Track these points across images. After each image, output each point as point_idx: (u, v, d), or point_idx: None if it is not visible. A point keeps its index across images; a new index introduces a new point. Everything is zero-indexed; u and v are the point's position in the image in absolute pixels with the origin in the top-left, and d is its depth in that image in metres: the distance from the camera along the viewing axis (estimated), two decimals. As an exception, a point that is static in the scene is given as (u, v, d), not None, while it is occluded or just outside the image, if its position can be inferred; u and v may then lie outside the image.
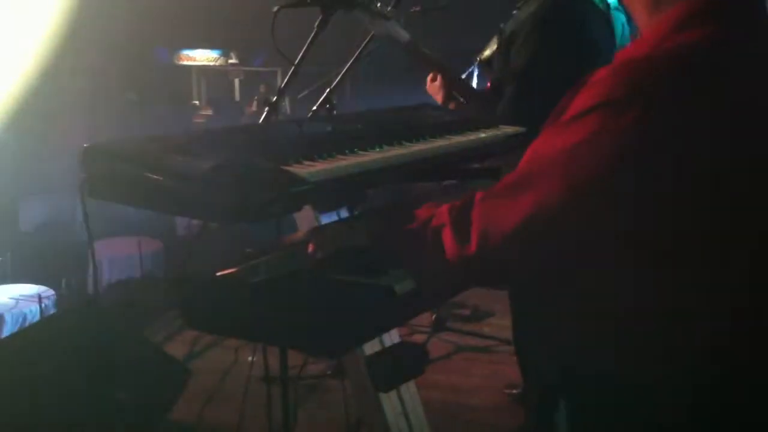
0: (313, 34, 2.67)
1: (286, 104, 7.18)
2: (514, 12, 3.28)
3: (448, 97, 3.17)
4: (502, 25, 3.39)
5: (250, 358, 4.05)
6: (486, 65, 3.40)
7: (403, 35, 2.99)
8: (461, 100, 3.16)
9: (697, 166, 1.28)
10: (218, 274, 1.69)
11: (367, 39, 3.29)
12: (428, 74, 3.22)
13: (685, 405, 1.39)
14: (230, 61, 8.57)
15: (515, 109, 2.99)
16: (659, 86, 1.29)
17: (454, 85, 3.18)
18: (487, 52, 3.35)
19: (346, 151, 1.99)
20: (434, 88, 3.19)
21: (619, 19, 5.83)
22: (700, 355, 1.37)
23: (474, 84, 4.76)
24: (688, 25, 1.36)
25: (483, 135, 2.43)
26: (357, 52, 3.30)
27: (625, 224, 1.32)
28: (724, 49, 1.35)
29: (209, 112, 10.46)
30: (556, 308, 1.51)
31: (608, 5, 3.34)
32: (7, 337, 3.73)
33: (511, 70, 3.08)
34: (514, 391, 4.02)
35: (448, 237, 1.46)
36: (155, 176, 1.63)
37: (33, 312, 4.36)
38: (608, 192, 1.30)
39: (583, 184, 1.31)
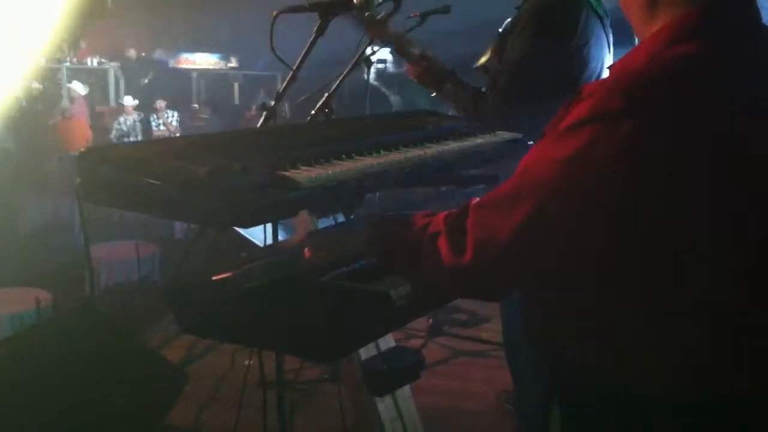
0: (311, 40, 2.68)
1: (286, 109, 7.18)
2: (509, 20, 3.32)
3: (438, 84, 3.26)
4: (500, 30, 3.42)
5: (246, 363, 4.05)
6: (482, 71, 3.43)
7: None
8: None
9: (692, 178, 1.29)
10: (214, 278, 1.69)
11: (367, 45, 3.30)
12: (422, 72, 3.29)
13: (673, 408, 1.39)
14: (230, 65, 8.57)
15: (506, 102, 3.04)
16: (654, 99, 1.29)
17: (449, 78, 3.24)
18: (483, 59, 3.37)
19: (343, 157, 2.00)
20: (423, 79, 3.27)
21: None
22: (688, 360, 1.37)
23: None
24: (683, 38, 1.36)
25: (480, 141, 2.44)
26: (355, 57, 3.31)
27: (618, 234, 1.32)
28: (720, 61, 1.35)
29: (208, 115, 10.47)
30: (545, 311, 1.52)
31: (606, 11, 3.37)
32: (3, 341, 3.73)
33: (505, 64, 3.12)
34: (510, 396, 4.02)
35: (443, 245, 1.46)
36: (151, 181, 1.63)
37: (30, 315, 4.35)
38: (602, 203, 1.30)
39: (576, 195, 1.31)
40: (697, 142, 1.28)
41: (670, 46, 1.36)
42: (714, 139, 1.29)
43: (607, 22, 3.36)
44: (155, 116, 10.71)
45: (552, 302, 1.48)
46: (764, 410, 1.38)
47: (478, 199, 1.47)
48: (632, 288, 1.36)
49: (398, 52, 3.24)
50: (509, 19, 3.31)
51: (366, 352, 2.31)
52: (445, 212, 1.52)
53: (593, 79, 3.29)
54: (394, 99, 10.55)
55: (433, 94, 3.35)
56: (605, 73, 3.42)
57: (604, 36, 3.32)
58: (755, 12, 1.44)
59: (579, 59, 3.15)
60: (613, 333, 1.40)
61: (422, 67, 3.27)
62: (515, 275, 1.44)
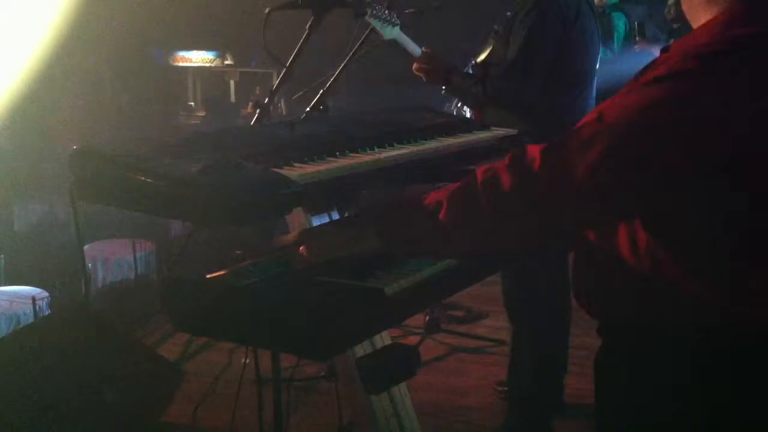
0: (305, 36, 2.67)
1: (282, 106, 7.17)
2: (508, 13, 3.37)
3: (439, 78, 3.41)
4: (495, 27, 3.45)
5: (243, 361, 4.05)
6: (480, 67, 3.46)
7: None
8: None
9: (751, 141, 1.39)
10: (208, 276, 1.68)
11: (361, 39, 3.31)
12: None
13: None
14: (226, 62, 8.55)
15: (504, 86, 3.25)
16: (723, 62, 1.41)
17: (454, 72, 3.38)
18: (483, 55, 3.42)
19: (338, 153, 1.99)
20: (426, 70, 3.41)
21: (620, 19, 5.96)
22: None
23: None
24: (741, 23, 1.48)
25: (475, 137, 2.44)
26: (350, 53, 3.31)
27: (681, 182, 1.40)
28: None
29: (204, 113, 10.44)
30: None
31: (605, 4, 3.51)
32: (0, 339, 3.72)
33: (506, 55, 3.29)
34: (506, 388, 4.03)
35: (505, 176, 1.47)
36: (144, 178, 1.63)
37: (27, 314, 4.34)
38: (672, 150, 1.38)
39: (651, 139, 1.39)
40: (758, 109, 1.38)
41: (729, 28, 1.47)
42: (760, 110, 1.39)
43: (609, 15, 3.50)
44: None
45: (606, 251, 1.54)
46: None
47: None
48: (686, 237, 1.45)
49: (408, 52, 3.33)
50: (508, 13, 3.38)
51: (362, 350, 2.30)
52: (481, 167, 1.54)
53: (591, 71, 3.38)
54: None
55: (443, 91, 3.44)
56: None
57: (603, 28, 3.44)
58: None
59: (576, 49, 3.26)
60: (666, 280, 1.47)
61: (428, 64, 3.35)
62: (584, 212, 1.47)
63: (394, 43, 3.27)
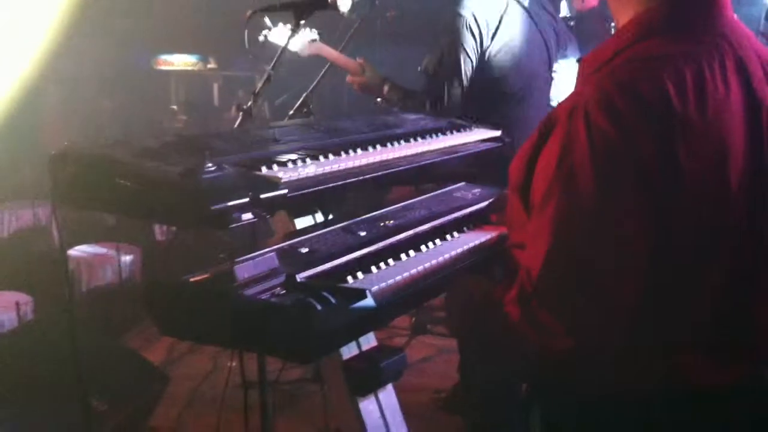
0: (287, 39, 2.67)
1: (265, 109, 7.16)
2: None
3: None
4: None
5: (229, 364, 4.03)
6: (423, 74, 3.44)
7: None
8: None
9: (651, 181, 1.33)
10: (191, 279, 1.67)
11: (344, 43, 3.31)
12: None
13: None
14: (209, 66, 8.51)
15: (428, 104, 3.15)
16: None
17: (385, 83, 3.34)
18: (425, 62, 3.38)
19: (321, 156, 1.99)
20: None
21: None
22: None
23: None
24: (645, 35, 1.43)
25: (458, 139, 2.44)
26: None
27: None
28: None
29: (187, 117, 10.39)
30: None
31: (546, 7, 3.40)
32: (-18, 345, 3.70)
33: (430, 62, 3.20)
34: (442, 395, 4.03)
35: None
36: (124, 182, 1.62)
37: (11, 319, 4.32)
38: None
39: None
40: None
41: (632, 43, 1.43)
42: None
43: (547, 18, 3.35)
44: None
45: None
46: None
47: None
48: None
49: (341, 67, 3.33)
50: None
51: (348, 352, 2.30)
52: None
53: (528, 82, 3.27)
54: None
55: (378, 100, 3.39)
56: (557, 67, 3.43)
57: (545, 37, 3.31)
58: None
59: (497, 61, 3.14)
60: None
61: (362, 77, 3.32)
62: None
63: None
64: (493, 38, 3.12)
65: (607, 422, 1.48)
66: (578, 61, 1.58)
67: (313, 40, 3.27)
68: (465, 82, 3.09)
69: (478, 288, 1.70)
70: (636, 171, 1.32)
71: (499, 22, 3.13)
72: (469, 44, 3.09)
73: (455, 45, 3.09)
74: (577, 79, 1.56)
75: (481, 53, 3.13)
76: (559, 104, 1.44)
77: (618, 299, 1.36)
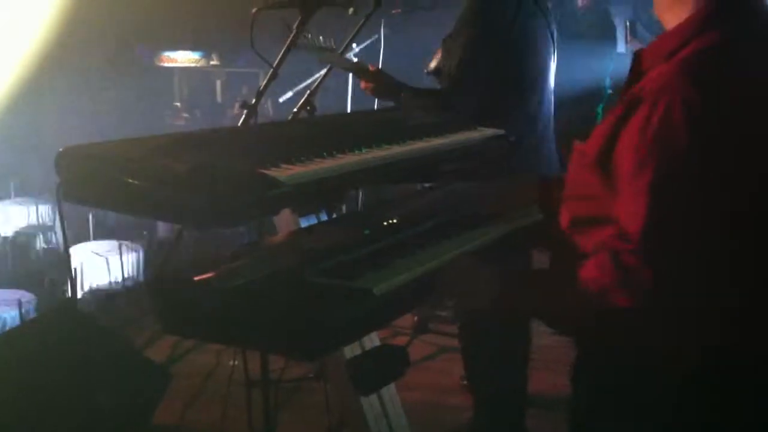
0: (292, 36, 2.67)
1: (269, 107, 7.16)
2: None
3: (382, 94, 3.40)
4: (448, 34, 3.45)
5: (231, 362, 4.04)
6: (434, 75, 3.45)
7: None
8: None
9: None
10: (196, 278, 1.68)
11: (348, 41, 3.31)
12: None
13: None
14: (212, 62, 8.51)
15: (452, 98, 3.15)
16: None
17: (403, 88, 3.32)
18: (433, 63, 3.40)
19: (325, 154, 1.99)
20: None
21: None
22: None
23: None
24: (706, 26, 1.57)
25: (461, 137, 2.44)
26: (340, 51, 3.32)
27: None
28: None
29: (190, 114, 10.39)
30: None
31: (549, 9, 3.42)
32: (-14, 342, 3.70)
33: (449, 63, 3.21)
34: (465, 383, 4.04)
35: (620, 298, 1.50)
36: (131, 180, 1.62)
37: (13, 317, 4.33)
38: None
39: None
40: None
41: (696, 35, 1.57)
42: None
43: (552, 19, 3.40)
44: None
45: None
46: None
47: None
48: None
49: (355, 73, 3.33)
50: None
51: (351, 350, 2.30)
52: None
53: (540, 75, 3.31)
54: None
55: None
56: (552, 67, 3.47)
57: (548, 33, 3.35)
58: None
59: (516, 53, 3.18)
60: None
61: (377, 82, 3.31)
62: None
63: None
64: (510, 30, 3.18)
65: (667, 387, 1.57)
66: (635, 53, 1.72)
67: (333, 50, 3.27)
68: (483, 82, 3.12)
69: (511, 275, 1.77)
70: (730, 136, 1.46)
71: (517, 11, 3.19)
72: (486, 49, 3.14)
73: (475, 44, 3.13)
74: (635, 69, 1.70)
75: (501, 45, 3.17)
76: (638, 85, 1.58)
77: (713, 259, 1.47)
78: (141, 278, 5.48)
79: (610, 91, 6.01)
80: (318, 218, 2.19)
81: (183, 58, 8.41)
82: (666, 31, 1.66)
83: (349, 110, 4.68)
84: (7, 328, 4.22)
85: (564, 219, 1.76)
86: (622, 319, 1.51)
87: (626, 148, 1.53)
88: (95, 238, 5.79)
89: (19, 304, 4.30)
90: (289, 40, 2.67)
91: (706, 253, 1.46)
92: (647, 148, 1.48)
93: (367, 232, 2.02)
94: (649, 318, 1.50)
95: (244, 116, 2.59)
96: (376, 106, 4.32)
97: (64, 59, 6.69)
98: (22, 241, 6.01)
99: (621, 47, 6.29)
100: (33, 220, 6.30)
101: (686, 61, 1.56)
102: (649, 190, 1.47)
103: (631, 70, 1.72)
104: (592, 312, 1.54)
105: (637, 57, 1.71)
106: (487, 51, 3.14)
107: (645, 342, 1.54)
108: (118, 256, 5.37)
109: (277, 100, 5.32)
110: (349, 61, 3.34)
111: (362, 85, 3.38)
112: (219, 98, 9.04)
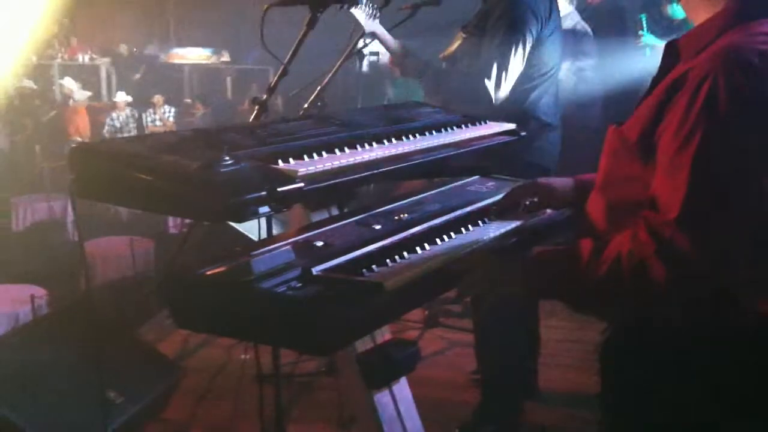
0: (302, 33, 2.67)
1: (279, 102, 7.18)
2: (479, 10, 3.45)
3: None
4: (464, 24, 3.52)
5: (242, 357, 4.06)
6: (449, 61, 3.53)
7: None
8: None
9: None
10: (208, 272, 1.69)
11: (359, 37, 3.34)
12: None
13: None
14: (222, 59, 8.54)
15: (492, 97, 3.28)
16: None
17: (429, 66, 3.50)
18: (451, 48, 3.50)
19: (336, 150, 2.00)
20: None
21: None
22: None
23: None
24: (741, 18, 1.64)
25: (472, 132, 2.44)
26: (348, 50, 3.32)
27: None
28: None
29: (201, 110, 10.44)
30: None
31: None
32: (-1, 338, 3.74)
33: (477, 55, 3.35)
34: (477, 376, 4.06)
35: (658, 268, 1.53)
36: (143, 176, 1.63)
37: (26, 312, 4.36)
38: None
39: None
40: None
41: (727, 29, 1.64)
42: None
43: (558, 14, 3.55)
44: (152, 111, 10.75)
45: None
46: None
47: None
48: None
49: (385, 47, 3.46)
50: (479, 9, 3.44)
51: (362, 345, 2.31)
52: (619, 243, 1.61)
53: (557, 65, 3.42)
54: (388, 91, 10.59)
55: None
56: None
57: (559, 31, 3.49)
58: None
59: (544, 48, 3.31)
60: None
61: (405, 57, 3.44)
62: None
63: (373, 36, 3.42)
64: (546, 26, 3.34)
65: (699, 363, 1.61)
66: (668, 44, 1.77)
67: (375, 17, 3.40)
68: (514, 78, 3.30)
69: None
70: None
71: (551, 9, 3.38)
72: (524, 40, 3.28)
73: (509, 43, 3.27)
74: (667, 59, 1.75)
75: (533, 47, 3.33)
76: (680, 70, 1.62)
77: (752, 233, 1.52)
78: (152, 273, 5.51)
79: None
80: (329, 213, 2.20)
81: (193, 55, 8.45)
82: (699, 24, 1.71)
83: (359, 106, 4.68)
84: (20, 323, 4.25)
85: (597, 207, 1.78)
86: (661, 292, 1.53)
87: (670, 126, 1.57)
88: (107, 234, 5.82)
89: (32, 300, 4.33)
90: (300, 36, 2.68)
91: (744, 225, 1.51)
92: (691, 124, 1.53)
93: (378, 226, 2.02)
94: (686, 289, 1.53)
95: (255, 112, 2.60)
96: (386, 103, 4.34)
97: (75, 56, 6.71)
98: (34, 237, 6.05)
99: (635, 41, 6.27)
100: (45, 216, 6.35)
101: (727, 48, 1.60)
102: (692, 164, 1.51)
103: (665, 58, 1.77)
104: (627, 288, 1.57)
105: (671, 47, 1.76)
106: (523, 55, 3.29)
107: (681, 314, 1.58)
108: (129, 251, 5.40)
109: (288, 95, 5.33)
110: (384, 31, 3.45)
111: (390, 60, 3.59)
112: (229, 95, 9.07)
